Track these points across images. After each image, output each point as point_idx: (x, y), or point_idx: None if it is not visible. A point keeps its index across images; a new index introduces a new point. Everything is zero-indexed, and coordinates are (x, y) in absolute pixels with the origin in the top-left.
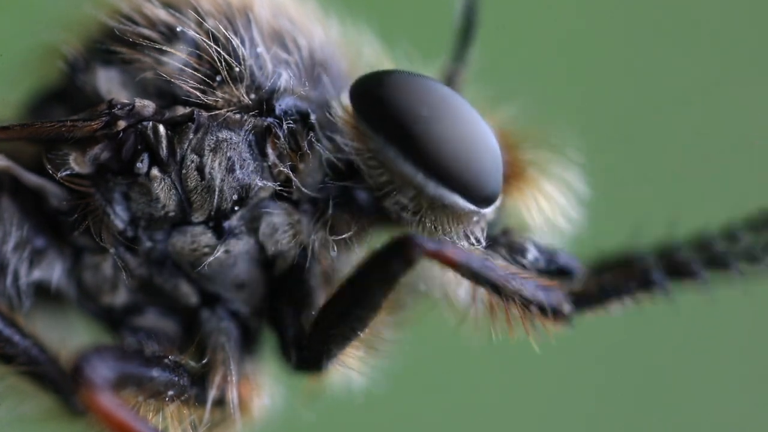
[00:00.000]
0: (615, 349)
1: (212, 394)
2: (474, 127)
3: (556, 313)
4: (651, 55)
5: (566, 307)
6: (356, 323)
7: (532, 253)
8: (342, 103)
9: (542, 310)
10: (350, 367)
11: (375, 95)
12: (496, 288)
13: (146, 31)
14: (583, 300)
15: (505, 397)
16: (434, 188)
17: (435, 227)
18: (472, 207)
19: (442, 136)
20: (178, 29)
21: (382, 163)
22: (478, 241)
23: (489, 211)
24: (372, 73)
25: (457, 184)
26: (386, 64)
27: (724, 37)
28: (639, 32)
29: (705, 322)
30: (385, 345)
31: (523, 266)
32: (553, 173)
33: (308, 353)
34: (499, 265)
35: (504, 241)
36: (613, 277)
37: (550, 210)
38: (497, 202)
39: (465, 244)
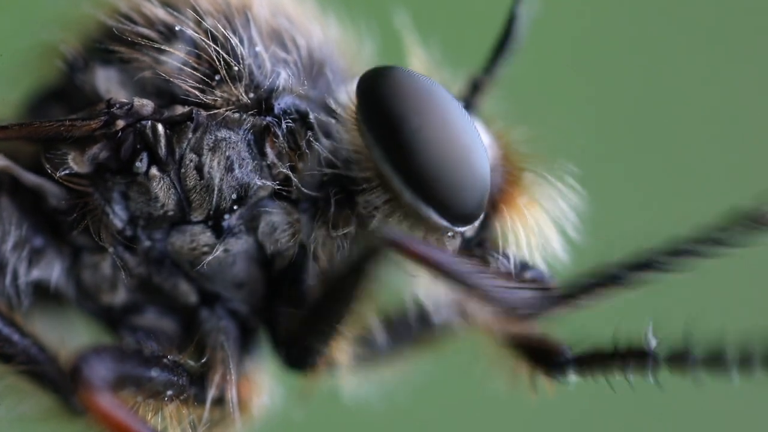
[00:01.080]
0: None
1: (211, 393)
2: (466, 148)
3: (525, 312)
4: (657, 64)
5: (535, 306)
6: (335, 318)
7: (503, 265)
8: (347, 96)
9: (511, 308)
10: (340, 360)
11: (375, 92)
12: (461, 283)
13: (145, 31)
14: (555, 298)
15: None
16: (411, 197)
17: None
18: (446, 224)
19: (429, 149)
20: (176, 28)
21: (368, 161)
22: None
23: (465, 230)
24: (378, 68)
25: (434, 200)
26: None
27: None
28: (649, 41)
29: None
30: (369, 334)
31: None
32: (550, 200)
33: (296, 351)
34: (464, 262)
35: (478, 252)
36: (583, 278)
37: (541, 235)
38: (476, 223)
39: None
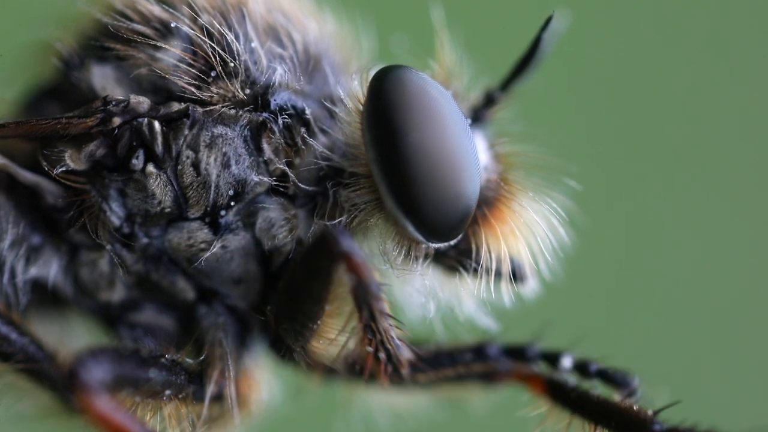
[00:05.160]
0: None
1: (210, 390)
2: (457, 171)
3: (394, 368)
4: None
5: (406, 363)
6: (304, 318)
7: (479, 259)
8: (350, 89)
9: (386, 358)
10: (319, 358)
11: (385, 94)
12: (369, 316)
13: (140, 28)
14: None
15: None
16: (392, 206)
17: (382, 236)
18: (421, 238)
19: (421, 166)
20: (172, 25)
21: (362, 157)
22: (417, 259)
23: (440, 246)
24: (395, 69)
25: (414, 214)
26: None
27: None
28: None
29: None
30: (342, 336)
31: (473, 270)
32: (540, 220)
33: (280, 344)
34: (384, 305)
35: (452, 253)
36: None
37: (525, 251)
38: (452, 242)
39: (404, 259)
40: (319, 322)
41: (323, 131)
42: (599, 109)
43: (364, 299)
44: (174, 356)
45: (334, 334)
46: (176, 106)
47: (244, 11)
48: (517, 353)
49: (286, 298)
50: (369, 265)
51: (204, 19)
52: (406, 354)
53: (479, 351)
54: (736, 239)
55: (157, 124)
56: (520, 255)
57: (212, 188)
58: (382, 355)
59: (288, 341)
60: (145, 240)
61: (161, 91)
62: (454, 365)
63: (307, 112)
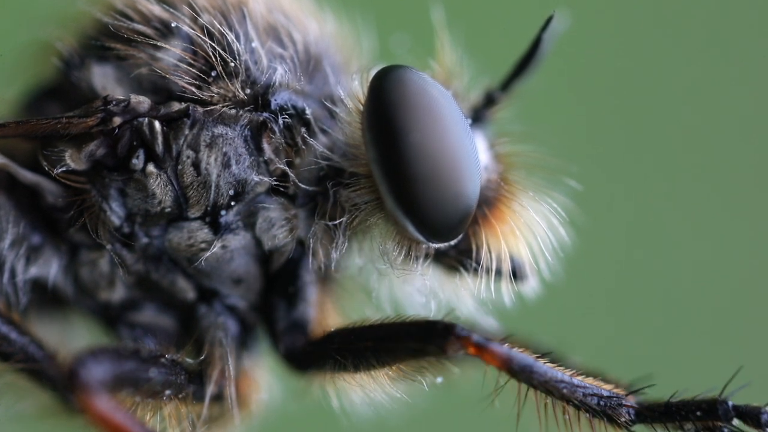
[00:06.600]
0: None
1: (210, 390)
2: (458, 171)
3: (611, 421)
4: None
5: (623, 416)
6: (362, 365)
7: (479, 258)
8: (351, 90)
9: (596, 415)
10: (333, 388)
11: (385, 95)
12: (548, 392)
13: (141, 27)
14: (646, 413)
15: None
16: (392, 205)
17: (383, 235)
18: (421, 238)
19: (421, 166)
20: (172, 25)
21: (362, 157)
22: (417, 259)
23: (440, 246)
24: (395, 69)
25: (414, 214)
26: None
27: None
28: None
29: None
30: (377, 393)
31: (474, 270)
32: (540, 220)
33: (302, 355)
34: (548, 366)
35: (453, 253)
36: (682, 401)
37: (525, 251)
38: (452, 242)
39: (404, 259)
40: (376, 372)
41: (323, 131)
42: (599, 109)
43: (528, 381)
44: (174, 356)
45: (374, 386)
46: (177, 106)
47: (244, 11)
48: (751, 416)
49: (363, 339)
50: (505, 348)
51: (204, 18)
52: (621, 402)
53: (710, 410)
54: (736, 239)
55: (157, 124)
56: (520, 255)
57: (212, 188)
58: (587, 415)
59: (325, 364)
60: (145, 240)
61: (162, 90)
62: (681, 420)
63: (308, 112)
